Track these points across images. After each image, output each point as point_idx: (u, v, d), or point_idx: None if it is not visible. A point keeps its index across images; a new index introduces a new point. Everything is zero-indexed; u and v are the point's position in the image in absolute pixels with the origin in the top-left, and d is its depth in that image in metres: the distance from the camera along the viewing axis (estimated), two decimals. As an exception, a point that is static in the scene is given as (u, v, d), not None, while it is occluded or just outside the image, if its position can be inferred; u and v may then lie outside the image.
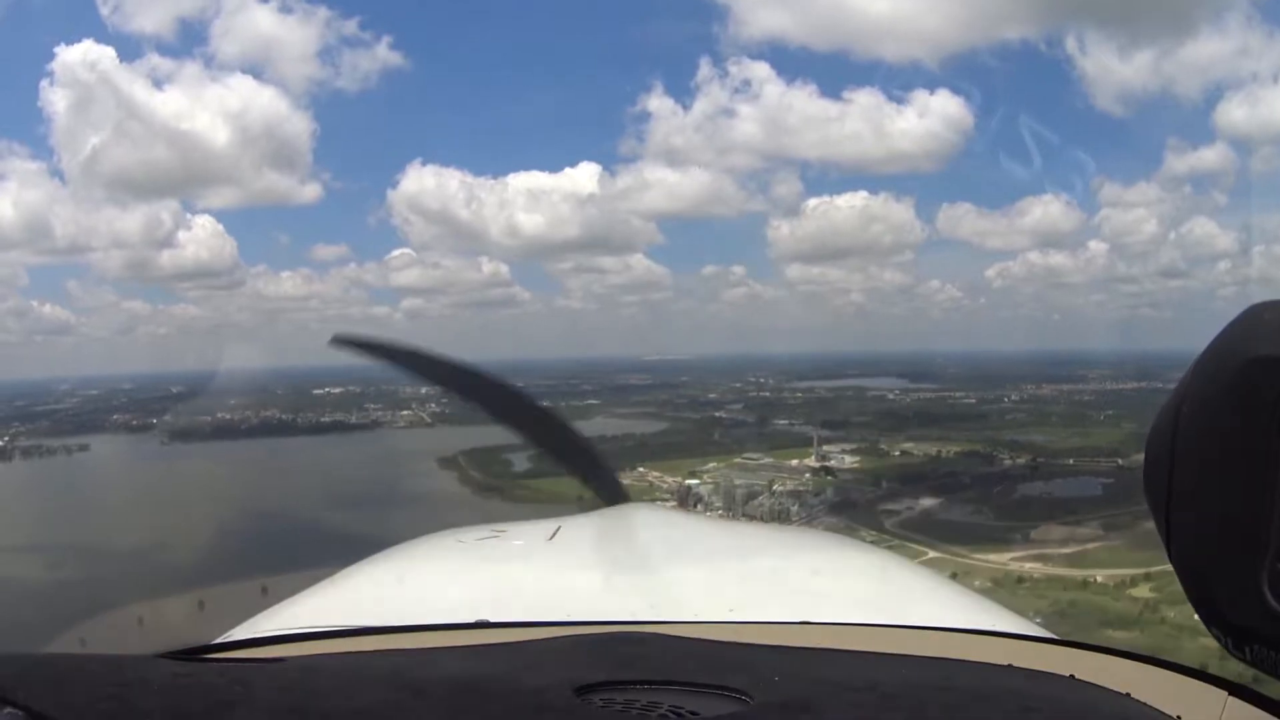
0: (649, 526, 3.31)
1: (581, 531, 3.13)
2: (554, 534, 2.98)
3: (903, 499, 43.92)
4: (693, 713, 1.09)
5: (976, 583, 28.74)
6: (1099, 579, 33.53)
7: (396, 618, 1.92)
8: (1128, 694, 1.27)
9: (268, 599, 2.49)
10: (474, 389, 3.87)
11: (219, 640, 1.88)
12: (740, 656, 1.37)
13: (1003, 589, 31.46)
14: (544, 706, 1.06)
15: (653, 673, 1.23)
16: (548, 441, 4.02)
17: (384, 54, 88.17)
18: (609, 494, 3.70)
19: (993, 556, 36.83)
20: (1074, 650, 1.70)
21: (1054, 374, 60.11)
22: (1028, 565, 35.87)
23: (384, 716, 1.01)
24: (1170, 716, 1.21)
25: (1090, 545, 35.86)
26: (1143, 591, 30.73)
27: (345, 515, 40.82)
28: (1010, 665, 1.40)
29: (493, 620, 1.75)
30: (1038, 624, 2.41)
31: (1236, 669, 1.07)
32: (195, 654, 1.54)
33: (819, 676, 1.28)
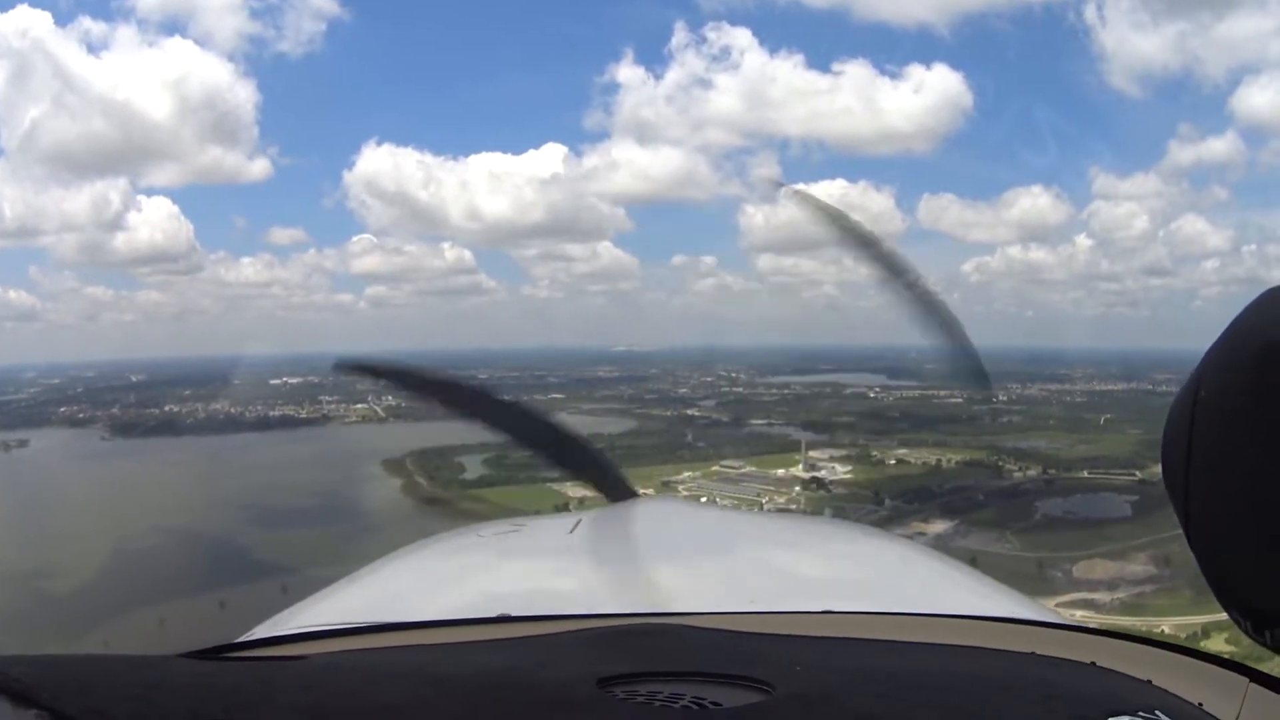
0: (668, 518, 3.27)
1: (601, 525, 3.13)
2: (574, 527, 2.93)
3: (910, 521, 39.38)
4: (715, 704, 1.09)
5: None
6: (1165, 630, 29.06)
7: (418, 614, 1.90)
8: (1149, 681, 1.27)
9: (288, 598, 2.43)
10: (469, 405, 3.75)
11: (241, 639, 1.85)
12: (762, 647, 1.38)
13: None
14: (567, 699, 1.08)
15: (675, 664, 1.23)
16: (551, 450, 3.75)
17: (319, 2, 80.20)
18: (617, 492, 3.53)
19: (1036, 605, 32.11)
20: (1096, 638, 1.62)
21: (1034, 372, 57.06)
22: (1078, 614, 31.41)
23: (408, 712, 1.02)
24: (1192, 703, 1.20)
25: (1145, 588, 31.75)
26: (1219, 644, 26.45)
27: (266, 535, 37.51)
28: (1033, 653, 1.41)
29: (514, 614, 1.74)
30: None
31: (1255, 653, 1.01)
32: (218, 653, 1.52)
33: (841, 666, 1.31)
